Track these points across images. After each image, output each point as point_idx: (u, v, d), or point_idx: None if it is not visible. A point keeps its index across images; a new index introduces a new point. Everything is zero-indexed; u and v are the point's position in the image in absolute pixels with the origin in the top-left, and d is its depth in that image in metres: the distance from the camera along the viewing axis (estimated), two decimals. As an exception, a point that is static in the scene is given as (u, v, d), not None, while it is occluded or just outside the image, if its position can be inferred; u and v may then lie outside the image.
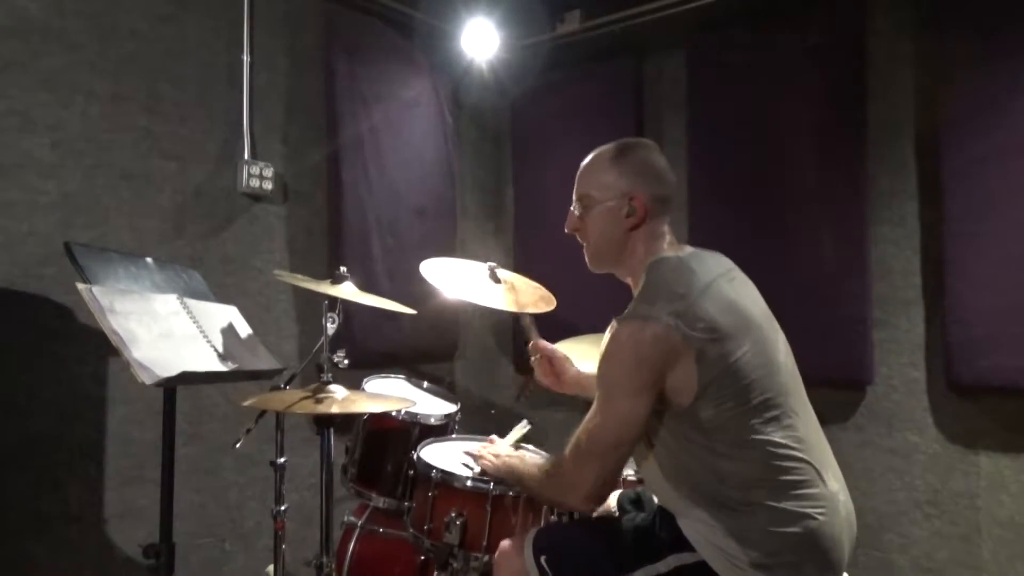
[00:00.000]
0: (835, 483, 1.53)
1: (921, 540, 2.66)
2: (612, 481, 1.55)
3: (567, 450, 1.57)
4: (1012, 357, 2.39)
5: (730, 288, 1.56)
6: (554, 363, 2.06)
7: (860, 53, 2.73)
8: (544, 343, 2.09)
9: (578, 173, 1.72)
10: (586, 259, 1.74)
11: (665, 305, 1.47)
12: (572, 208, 1.72)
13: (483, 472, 1.92)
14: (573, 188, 1.73)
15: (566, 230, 1.74)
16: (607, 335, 1.55)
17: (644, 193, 1.62)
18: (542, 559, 1.60)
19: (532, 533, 1.68)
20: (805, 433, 1.51)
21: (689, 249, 1.65)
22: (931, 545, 2.64)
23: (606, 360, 1.52)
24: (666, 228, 1.66)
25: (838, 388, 2.74)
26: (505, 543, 1.74)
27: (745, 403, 1.46)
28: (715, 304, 1.49)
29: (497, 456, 1.89)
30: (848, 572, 1.54)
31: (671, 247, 1.64)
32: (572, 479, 1.56)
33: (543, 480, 1.67)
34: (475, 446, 2.07)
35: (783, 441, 1.46)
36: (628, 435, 1.50)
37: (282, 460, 2.09)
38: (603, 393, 1.52)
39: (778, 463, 1.45)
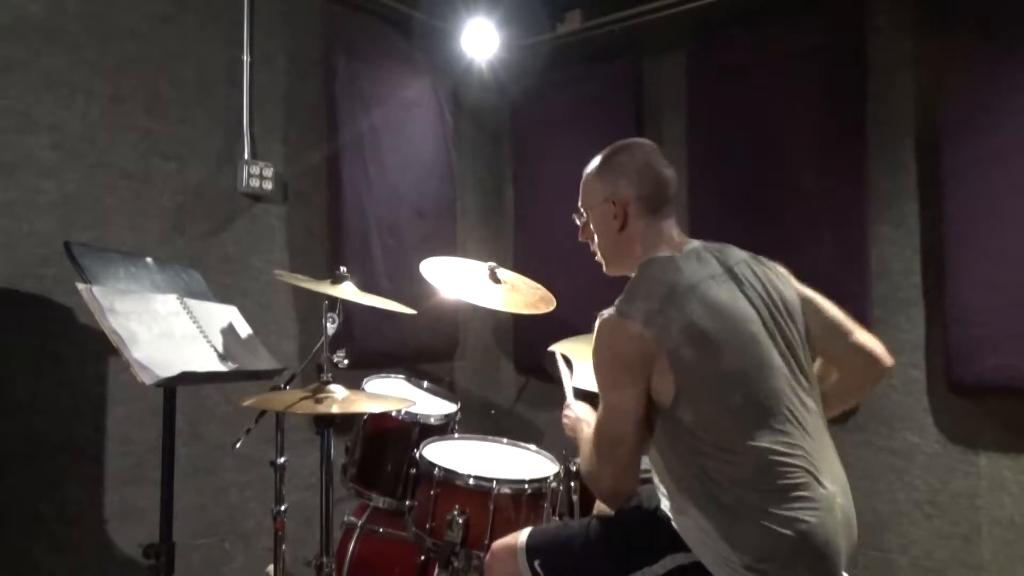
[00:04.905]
0: (832, 485, 1.48)
1: (921, 540, 2.66)
2: (626, 479, 1.53)
3: None
4: (1012, 357, 2.39)
5: (720, 289, 1.51)
6: None
7: (860, 53, 2.73)
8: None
9: None
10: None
11: (641, 305, 1.46)
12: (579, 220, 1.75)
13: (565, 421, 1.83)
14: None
15: (580, 239, 1.76)
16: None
17: (625, 195, 1.62)
18: (536, 563, 1.59)
19: (525, 535, 1.66)
20: (800, 437, 1.46)
21: (692, 246, 1.61)
22: (931, 545, 2.64)
23: (592, 354, 1.53)
24: (666, 225, 1.64)
25: (838, 388, 2.74)
26: (497, 545, 1.71)
27: (727, 407, 1.43)
28: (697, 307, 1.45)
29: (579, 419, 1.79)
30: (848, 572, 1.53)
31: (671, 245, 1.61)
32: (594, 474, 1.57)
33: (585, 464, 1.63)
34: (478, 445, 2.04)
35: (771, 446, 1.42)
36: (624, 429, 1.48)
37: (282, 460, 2.09)
38: (598, 387, 1.53)
39: (768, 468, 1.41)
